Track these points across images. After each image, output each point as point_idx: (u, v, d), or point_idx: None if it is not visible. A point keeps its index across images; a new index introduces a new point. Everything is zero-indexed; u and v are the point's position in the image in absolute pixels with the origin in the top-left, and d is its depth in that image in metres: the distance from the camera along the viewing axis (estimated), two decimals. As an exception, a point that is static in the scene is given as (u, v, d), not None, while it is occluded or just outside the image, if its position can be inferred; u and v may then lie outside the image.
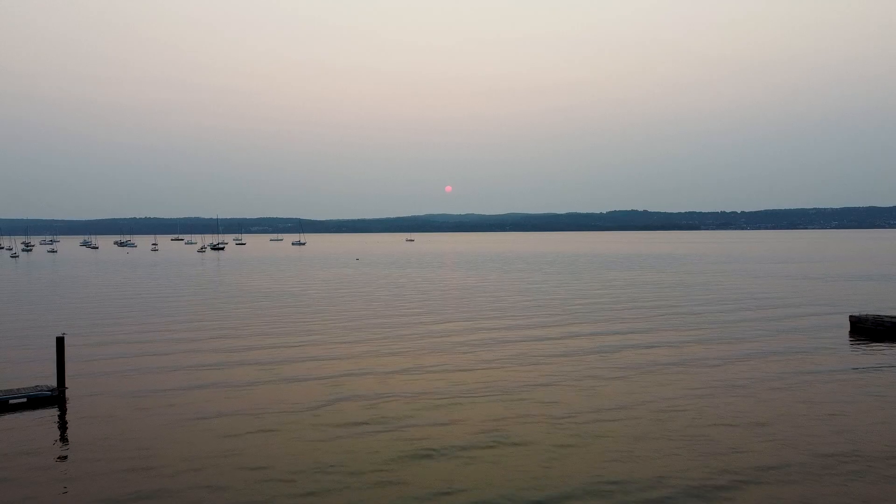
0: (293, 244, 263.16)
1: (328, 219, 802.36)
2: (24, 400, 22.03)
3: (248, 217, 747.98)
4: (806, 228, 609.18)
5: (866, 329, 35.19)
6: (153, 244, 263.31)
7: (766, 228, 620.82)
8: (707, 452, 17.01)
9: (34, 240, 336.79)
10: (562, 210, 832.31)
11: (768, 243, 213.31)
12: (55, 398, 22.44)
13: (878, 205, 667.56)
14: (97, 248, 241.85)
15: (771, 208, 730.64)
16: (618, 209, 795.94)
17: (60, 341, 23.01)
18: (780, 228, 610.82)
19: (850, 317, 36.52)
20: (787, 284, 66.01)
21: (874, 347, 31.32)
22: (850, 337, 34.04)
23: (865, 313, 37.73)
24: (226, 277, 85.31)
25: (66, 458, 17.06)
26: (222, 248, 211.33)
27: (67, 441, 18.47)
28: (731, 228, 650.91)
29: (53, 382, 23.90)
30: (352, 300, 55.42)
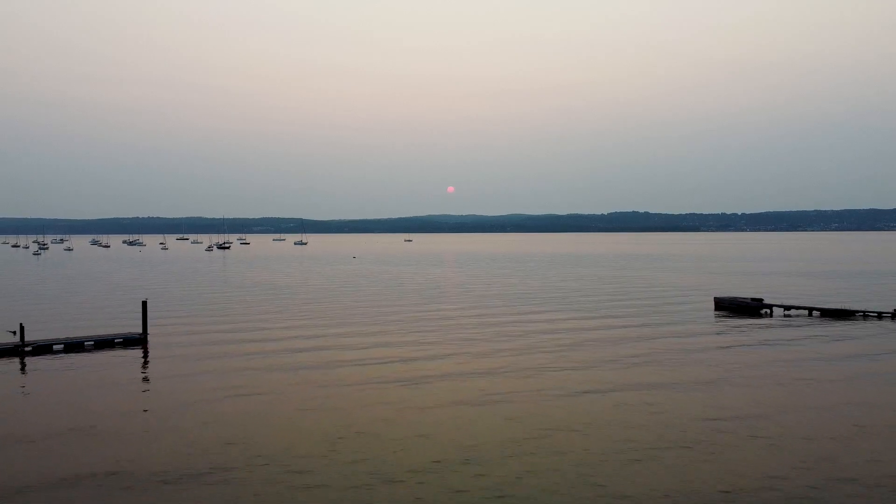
0: (295, 244, 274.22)
1: (330, 219, 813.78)
2: (121, 340, 33.77)
3: (250, 217, 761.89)
4: (806, 230, 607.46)
5: (724, 307, 46.85)
6: (161, 243, 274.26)
7: (767, 230, 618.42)
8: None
9: (44, 239, 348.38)
10: (563, 211, 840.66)
11: (755, 244, 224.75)
12: (141, 340, 34.08)
13: (879, 207, 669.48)
14: (108, 246, 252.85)
15: (772, 210, 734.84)
16: (619, 210, 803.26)
17: (144, 304, 34.89)
18: (781, 230, 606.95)
19: (715, 298, 48.15)
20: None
21: (724, 319, 42.83)
22: (715, 312, 45.58)
23: (724, 296, 49.62)
24: (239, 273, 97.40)
25: (147, 378, 27.51)
26: (228, 248, 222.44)
27: (148, 367, 29.30)
28: (731, 230, 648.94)
29: (139, 330, 35.54)
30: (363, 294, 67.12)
